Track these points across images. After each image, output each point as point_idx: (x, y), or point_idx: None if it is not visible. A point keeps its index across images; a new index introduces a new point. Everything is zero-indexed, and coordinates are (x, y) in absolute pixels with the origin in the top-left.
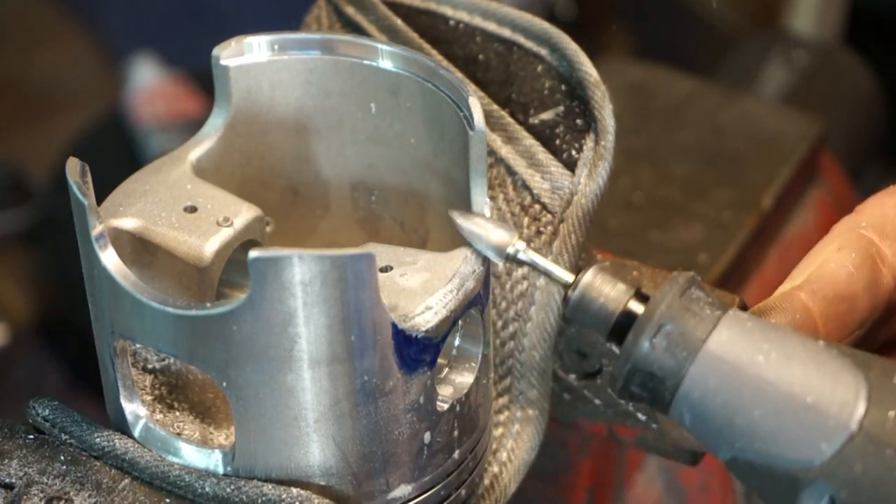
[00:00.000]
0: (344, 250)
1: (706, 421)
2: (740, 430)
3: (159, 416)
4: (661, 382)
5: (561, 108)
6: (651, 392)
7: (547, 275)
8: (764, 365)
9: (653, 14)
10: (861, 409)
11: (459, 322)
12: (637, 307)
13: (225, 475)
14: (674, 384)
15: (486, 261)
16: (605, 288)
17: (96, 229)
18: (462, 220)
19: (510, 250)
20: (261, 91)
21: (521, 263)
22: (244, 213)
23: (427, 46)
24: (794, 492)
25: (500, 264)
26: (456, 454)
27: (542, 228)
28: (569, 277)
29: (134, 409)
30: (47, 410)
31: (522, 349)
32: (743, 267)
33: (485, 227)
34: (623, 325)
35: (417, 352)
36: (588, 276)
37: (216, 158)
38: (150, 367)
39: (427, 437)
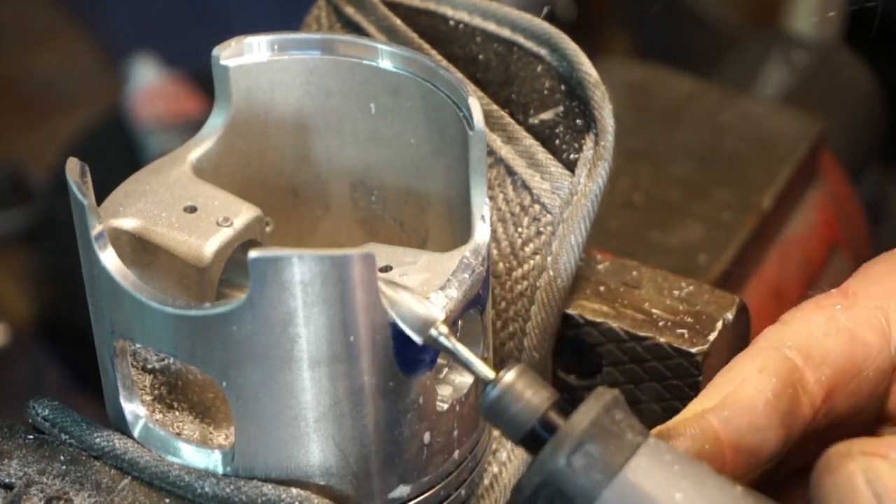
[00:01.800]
0: (344, 250)
1: None
2: None
3: (159, 416)
4: (569, 501)
5: (561, 108)
6: None
7: (466, 367)
8: (680, 502)
9: (653, 14)
10: None
11: (459, 322)
12: (557, 419)
13: (224, 475)
14: None
15: (486, 261)
16: (527, 392)
17: (96, 229)
18: (386, 289)
19: (432, 332)
20: (261, 91)
21: (441, 348)
22: (244, 213)
23: (427, 46)
24: None
25: (419, 338)
26: (456, 454)
27: (541, 228)
28: (489, 374)
29: (134, 409)
30: (47, 410)
31: (522, 349)
32: (743, 267)
33: (410, 301)
34: (537, 435)
35: (417, 352)
36: (509, 377)
37: (216, 158)
38: (149, 366)
39: (427, 437)
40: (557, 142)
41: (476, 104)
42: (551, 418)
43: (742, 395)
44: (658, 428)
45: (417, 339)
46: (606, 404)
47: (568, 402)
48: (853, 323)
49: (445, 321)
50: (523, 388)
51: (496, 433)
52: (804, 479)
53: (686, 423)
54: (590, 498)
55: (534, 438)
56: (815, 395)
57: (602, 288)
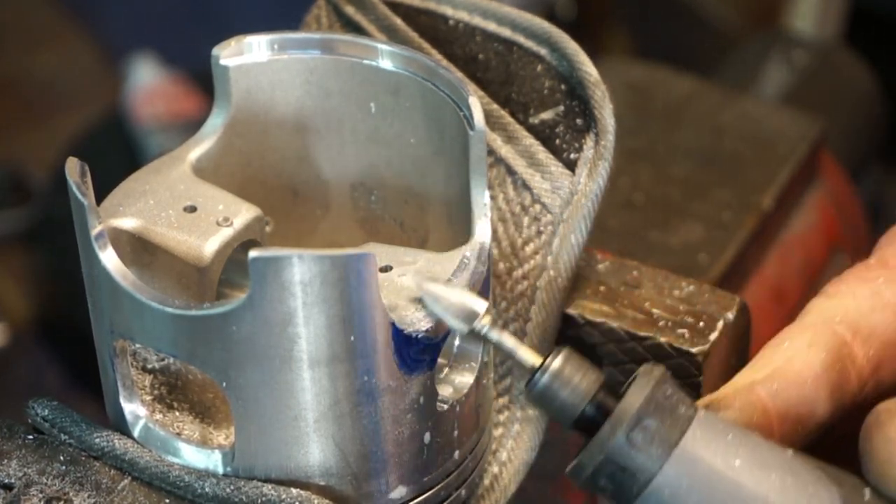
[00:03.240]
0: (344, 250)
1: None
2: None
3: (159, 416)
4: (631, 476)
5: (561, 108)
6: (618, 486)
7: (512, 357)
8: (739, 469)
9: (653, 14)
10: None
11: None
12: (608, 400)
13: (225, 475)
14: (645, 480)
15: (486, 260)
16: (575, 377)
17: (96, 229)
18: (429, 286)
19: (476, 325)
20: (261, 91)
21: (486, 340)
22: (244, 213)
23: (427, 46)
24: None
25: (464, 332)
26: (456, 454)
27: (542, 228)
28: (535, 361)
29: (133, 409)
30: (47, 410)
31: None
32: (743, 267)
33: (454, 297)
34: (590, 417)
35: (417, 352)
36: (557, 363)
37: (216, 158)
38: (149, 366)
39: (427, 437)
40: (558, 141)
41: (476, 104)
42: (603, 400)
43: (791, 369)
44: (704, 399)
45: (463, 332)
46: (658, 380)
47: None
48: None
49: (488, 312)
50: (571, 373)
51: (496, 433)
52: (852, 444)
53: (735, 395)
54: (651, 471)
55: (587, 420)
56: (862, 368)
57: (602, 288)
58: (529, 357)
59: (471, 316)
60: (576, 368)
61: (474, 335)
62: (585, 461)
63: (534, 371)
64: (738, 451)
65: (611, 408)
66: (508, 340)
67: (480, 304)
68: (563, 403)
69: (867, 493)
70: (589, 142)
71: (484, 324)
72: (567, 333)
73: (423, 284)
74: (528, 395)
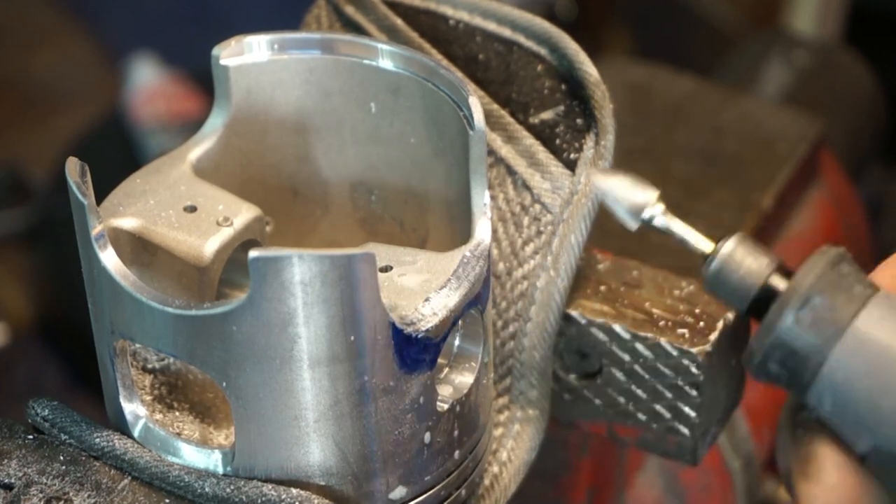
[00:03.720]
0: (344, 250)
1: (849, 405)
2: (888, 415)
3: (159, 416)
4: (802, 360)
5: (561, 108)
6: (790, 371)
7: (683, 243)
8: None
9: (653, 14)
10: None
11: (459, 322)
12: (780, 282)
13: (225, 475)
14: (816, 363)
15: (486, 260)
16: (747, 260)
17: (96, 229)
18: (600, 180)
19: (645, 215)
20: (261, 91)
21: (655, 229)
22: (244, 213)
23: (427, 46)
24: None
25: (634, 223)
26: (456, 454)
27: (542, 228)
28: (707, 246)
29: (133, 409)
30: (47, 410)
31: (522, 349)
32: None
33: (624, 187)
34: (763, 300)
35: (417, 352)
36: (728, 247)
37: (216, 158)
38: (149, 366)
39: (427, 437)
40: (558, 141)
41: (476, 104)
42: (774, 282)
43: None
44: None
45: (633, 224)
46: (831, 259)
47: (570, 402)
48: None
49: (660, 199)
50: (743, 257)
51: (496, 433)
52: None
53: None
54: (823, 353)
55: (760, 305)
56: None
57: (602, 288)
58: (701, 242)
59: (640, 207)
60: (748, 252)
61: (646, 224)
62: (755, 347)
63: (704, 256)
64: None
65: (782, 290)
66: (680, 228)
67: (650, 194)
68: (735, 288)
69: None
70: (589, 142)
71: (654, 213)
72: (567, 333)
73: (594, 176)
74: (704, 283)
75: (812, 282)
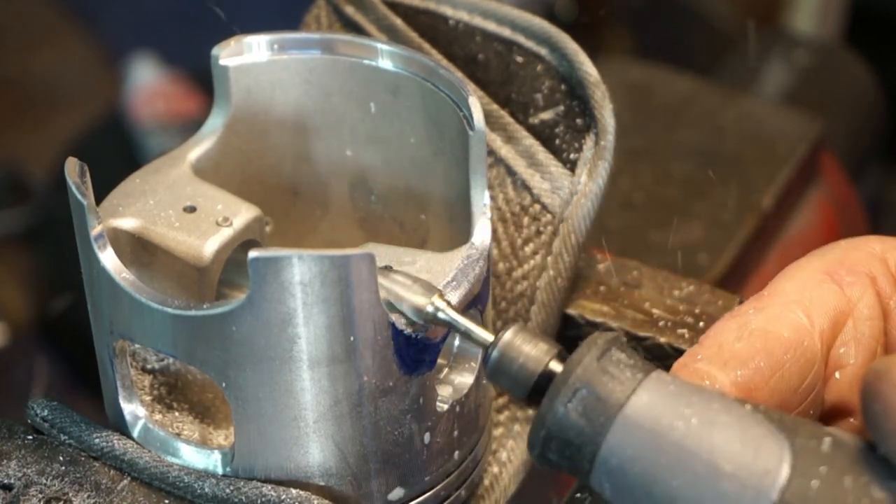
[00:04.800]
0: (344, 250)
1: (625, 491)
2: (660, 501)
3: (158, 417)
4: (578, 449)
5: (561, 108)
6: (569, 460)
7: (466, 336)
8: (683, 431)
9: (653, 14)
10: (783, 477)
11: None
12: (557, 367)
13: (224, 476)
14: (591, 451)
15: (486, 260)
16: (526, 347)
17: (96, 229)
18: (382, 280)
19: (429, 309)
20: (261, 91)
21: (440, 323)
22: (244, 213)
23: (427, 46)
24: None
25: (419, 318)
26: (456, 455)
27: (541, 228)
28: (488, 337)
29: (133, 409)
30: (46, 411)
31: None
32: (743, 267)
33: (402, 284)
34: (542, 387)
35: (417, 352)
36: (508, 335)
37: (216, 158)
38: (149, 367)
39: (427, 437)
40: (558, 141)
41: (476, 104)
42: (552, 369)
43: None
44: None
45: (417, 319)
46: (600, 347)
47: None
48: (765, 322)
49: (440, 296)
50: (522, 344)
51: (496, 433)
52: None
53: None
54: (596, 442)
55: (539, 393)
56: (730, 392)
57: (602, 288)
58: (482, 335)
59: (422, 302)
60: (526, 340)
61: (431, 319)
62: (532, 438)
63: (486, 348)
64: (684, 412)
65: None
66: (462, 321)
67: (430, 289)
68: (515, 377)
69: (826, 442)
70: (589, 142)
71: (437, 307)
72: (567, 333)
73: (379, 278)
74: (486, 374)
75: (579, 372)
